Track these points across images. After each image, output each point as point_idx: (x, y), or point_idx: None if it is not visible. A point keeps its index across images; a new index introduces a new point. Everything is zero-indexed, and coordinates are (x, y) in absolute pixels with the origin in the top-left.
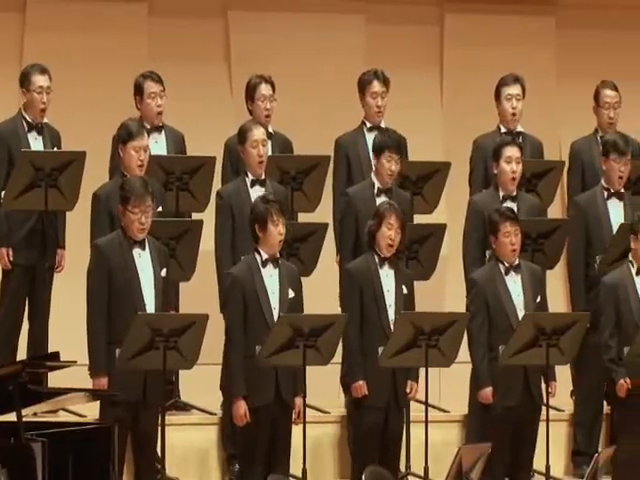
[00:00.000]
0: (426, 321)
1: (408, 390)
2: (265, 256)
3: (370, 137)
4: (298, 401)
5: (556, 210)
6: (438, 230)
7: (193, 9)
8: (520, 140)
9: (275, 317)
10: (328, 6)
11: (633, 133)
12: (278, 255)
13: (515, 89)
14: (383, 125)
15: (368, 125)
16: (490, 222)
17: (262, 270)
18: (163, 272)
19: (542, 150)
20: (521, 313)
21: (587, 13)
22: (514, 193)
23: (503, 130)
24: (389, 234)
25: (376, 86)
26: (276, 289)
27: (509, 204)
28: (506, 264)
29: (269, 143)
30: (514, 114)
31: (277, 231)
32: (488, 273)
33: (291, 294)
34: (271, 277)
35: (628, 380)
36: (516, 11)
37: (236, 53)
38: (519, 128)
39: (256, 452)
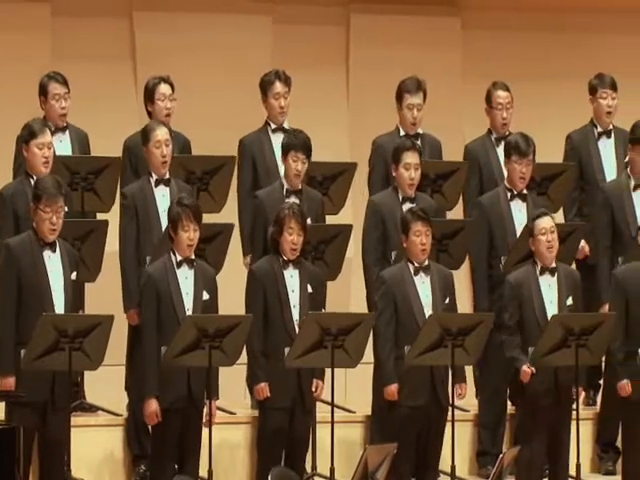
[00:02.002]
0: (332, 322)
1: (314, 388)
2: (180, 257)
3: (274, 137)
4: (210, 403)
5: (455, 211)
6: (344, 231)
7: (98, 9)
8: (419, 141)
9: None
10: (235, 7)
11: (531, 133)
12: (193, 256)
13: (417, 98)
14: (286, 125)
15: (272, 126)
16: (402, 222)
17: (177, 271)
18: (73, 275)
19: (441, 150)
20: (428, 313)
21: (491, 15)
22: (412, 195)
23: (402, 132)
24: (291, 239)
25: (278, 87)
26: (190, 290)
27: (408, 205)
28: (416, 264)
29: None
30: (414, 123)
31: (186, 236)
32: (397, 272)
33: (205, 296)
34: (186, 279)
35: (532, 368)
36: (421, 12)
37: (141, 53)
38: (419, 130)
39: (166, 452)
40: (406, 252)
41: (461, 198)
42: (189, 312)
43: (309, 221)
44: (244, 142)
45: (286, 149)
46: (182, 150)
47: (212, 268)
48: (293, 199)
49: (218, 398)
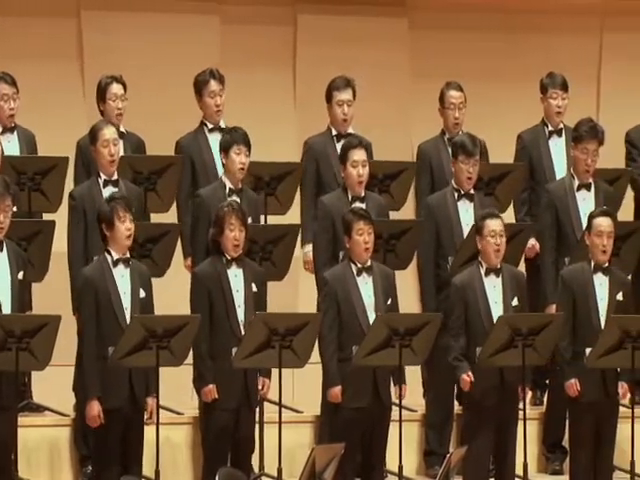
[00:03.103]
0: (280, 322)
1: (260, 387)
2: (116, 256)
3: (211, 137)
4: (150, 401)
5: (407, 211)
6: (292, 231)
7: (46, 8)
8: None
9: (127, 317)
10: (182, 6)
11: (480, 133)
12: (128, 255)
13: (346, 94)
14: (223, 124)
15: (209, 125)
16: (344, 222)
17: (113, 270)
18: (20, 275)
19: (371, 150)
20: (371, 314)
21: (438, 15)
22: (362, 194)
23: (334, 132)
24: (233, 235)
25: (213, 85)
26: (127, 289)
27: (357, 205)
28: (358, 265)
29: (121, 143)
30: (345, 119)
31: (124, 227)
32: (340, 273)
33: (142, 294)
34: (122, 277)
35: (470, 374)
36: (368, 12)
37: (89, 53)
38: (350, 130)
39: (109, 453)
40: (349, 252)
41: (414, 198)
42: (128, 311)
43: (250, 221)
44: (180, 143)
45: (227, 145)
46: (136, 150)
47: (145, 267)
48: (234, 198)
49: (158, 396)
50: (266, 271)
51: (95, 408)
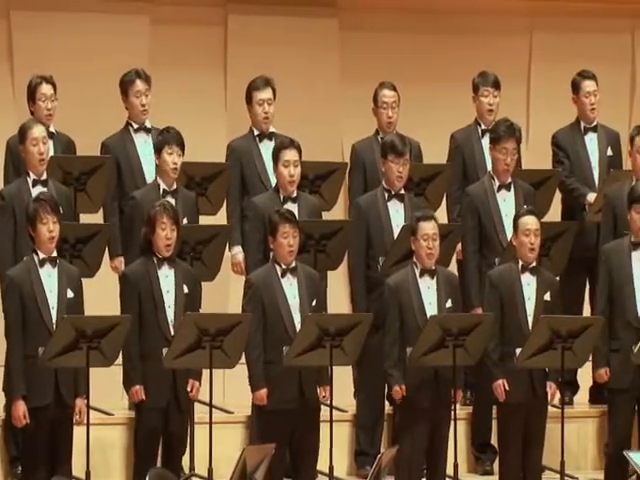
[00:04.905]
0: (210, 322)
1: (189, 389)
2: (42, 256)
3: (137, 137)
4: (79, 402)
5: (339, 211)
6: (223, 231)
7: None
8: (272, 141)
9: (54, 317)
10: (112, 7)
11: (413, 135)
12: (56, 255)
13: (266, 93)
14: (149, 124)
15: (135, 126)
16: (270, 223)
17: (40, 270)
18: None
19: (301, 149)
20: (297, 315)
21: (369, 16)
22: (294, 194)
23: (256, 133)
24: (164, 234)
25: (139, 85)
26: (54, 289)
27: (290, 205)
28: (283, 266)
29: (51, 143)
30: (266, 118)
31: (46, 229)
32: (264, 274)
33: (70, 294)
34: (50, 277)
35: (403, 387)
36: (299, 13)
37: (19, 53)
38: (271, 129)
39: (37, 453)
40: (274, 254)
41: (345, 198)
42: (54, 311)
43: (185, 221)
44: (106, 144)
45: (160, 145)
46: (66, 151)
47: (75, 267)
48: (169, 199)
49: (86, 396)
50: (197, 271)
51: (20, 408)
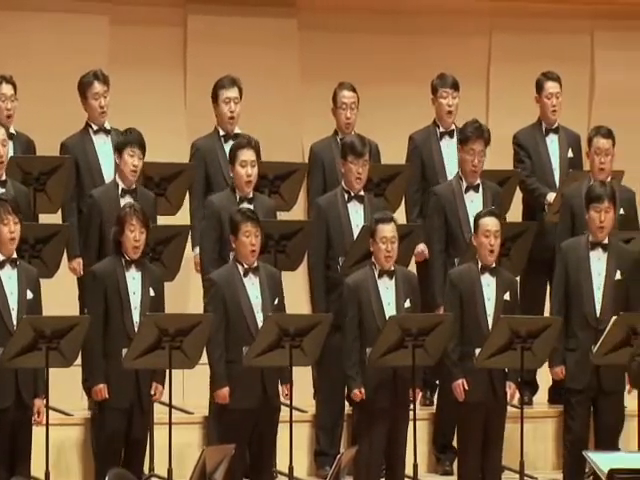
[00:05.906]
0: (170, 323)
1: (152, 392)
2: (2, 257)
3: (97, 139)
4: (37, 402)
5: (299, 212)
6: (182, 231)
7: None
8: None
9: (14, 318)
10: (71, 6)
11: (372, 135)
12: (15, 255)
13: (232, 92)
14: (108, 126)
15: (94, 127)
16: (231, 222)
17: (0, 272)
18: None
19: (260, 149)
20: (259, 315)
21: (328, 16)
22: (250, 195)
23: (222, 133)
24: (132, 236)
25: (97, 87)
26: (15, 290)
27: (246, 205)
28: (245, 265)
29: (11, 143)
30: (232, 117)
31: (7, 229)
32: (227, 274)
33: (29, 295)
34: (10, 278)
35: (363, 390)
36: (258, 13)
37: None
38: (237, 130)
39: None
40: (235, 253)
41: (304, 199)
42: (15, 312)
43: None
44: (65, 144)
45: (121, 146)
46: (25, 151)
47: (34, 267)
48: (128, 198)
49: (44, 397)
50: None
51: None
